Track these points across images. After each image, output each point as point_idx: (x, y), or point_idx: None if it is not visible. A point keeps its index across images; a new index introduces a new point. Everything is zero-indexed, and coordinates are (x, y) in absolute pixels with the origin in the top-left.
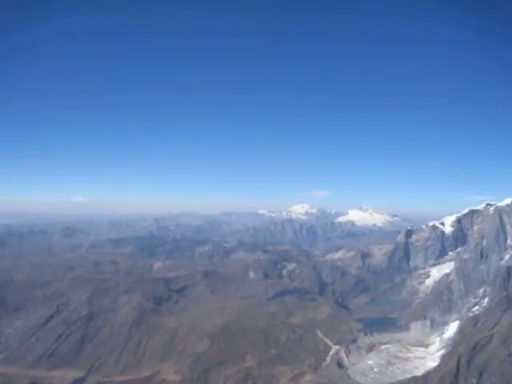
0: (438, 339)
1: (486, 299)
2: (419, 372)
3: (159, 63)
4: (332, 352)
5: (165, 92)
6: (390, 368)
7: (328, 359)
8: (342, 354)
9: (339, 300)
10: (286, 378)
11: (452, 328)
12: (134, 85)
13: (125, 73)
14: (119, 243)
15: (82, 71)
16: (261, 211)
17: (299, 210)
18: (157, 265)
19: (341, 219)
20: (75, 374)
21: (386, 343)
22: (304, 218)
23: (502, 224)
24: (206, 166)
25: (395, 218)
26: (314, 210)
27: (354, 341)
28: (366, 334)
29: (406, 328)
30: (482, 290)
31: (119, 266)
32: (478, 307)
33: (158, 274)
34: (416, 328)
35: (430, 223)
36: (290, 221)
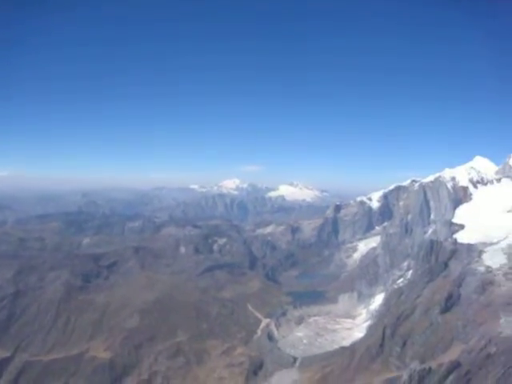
0: (364, 311)
1: (410, 272)
2: (347, 343)
3: None
4: (262, 325)
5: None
6: (318, 339)
7: (259, 332)
8: (273, 326)
9: (269, 274)
10: (218, 352)
11: (378, 300)
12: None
13: None
14: (46, 219)
15: None
16: (192, 186)
17: (230, 184)
18: (85, 241)
19: (271, 194)
20: (1, 353)
21: (314, 315)
22: (235, 192)
23: (426, 200)
24: (136, 140)
25: (324, 194)
26: (245, 185)
27: (284, 314)
28: (295, 307)
29: (334, 300)
30: (406, 263)
31: (46, 243)
32: (402, 279)
33: (86, 250)
34: (344, 300)
35: (358, 199)
36: (221, 196)
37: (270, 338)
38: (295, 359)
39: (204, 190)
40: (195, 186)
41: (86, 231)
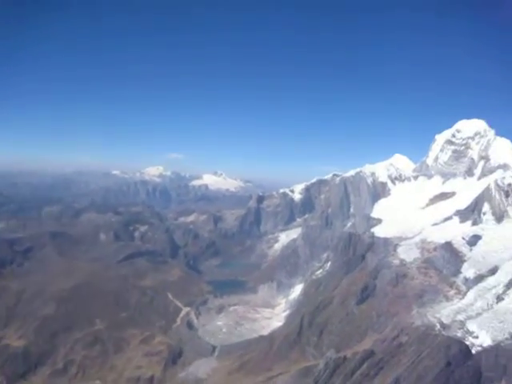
0: (283, 301)
1: (329, 263)
2: (266, 332)
3: None
4: (182, 314)
5: None
6: (238, 328)
7: (178, 321)
8: (192, 315)
9: (191, 263)
10: (136, 341)
11: (297, 290)
12: None
13: None
14: None
15: None
16: (114, 172)
17: (153, 171)
18: (0, 225)
19: (195, 183)
20: None
21: (235, 305)
22: (158, 180)
23: (347, 193)
24: (59, 122)
25: (248, 184)
26: (169, 173)
27: (205, 303)
28: (216, 296)
29: (255, 290)
30: (325, 255)
31: None
32: (321, 271)
33: (1, 235)
34: (264, 290)
35: (281, 190)
36: (144, 182)
37: (190, 326)
38: (214, 348)
39: (126, 176)
40: (117, 172)
41: (1, 215)
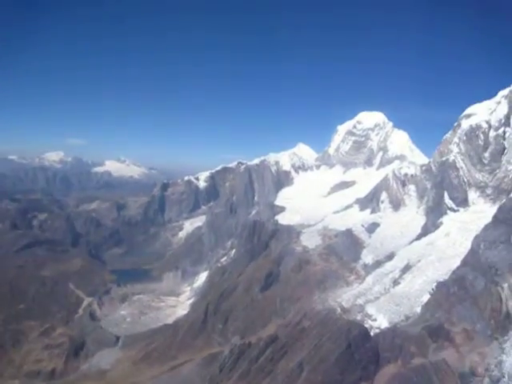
0: (188, 289)
1: (234, 251)
2: (171, 320)
3: None
4: (84, 304)
5: None
6: (142, 317)
7: (80, 311)
8: (95, 305)
9: (93, 252)
10: (35, 333)
11: (202, 278)
12: None
13: None
14: None
15: None
16: (10, 157)
17: (53, 157)
18: None
19: (97, 169)
20: None
21: (139, 294)
22: (58, 166)
23: (251, 182)
24: None
25: (152, 171)
26: (70, 159)
27: (108, 292)
28: (119, 286)
29: (159, 278)
30: (230, 243)
31: None
32: (226, 258)
33: None
34: (168, 278)
35: (186, 178)
36: (43, 168)
37: (93, 317)
38: (118, 338)
39: (24, 161)
40: (14, 157)
41: None
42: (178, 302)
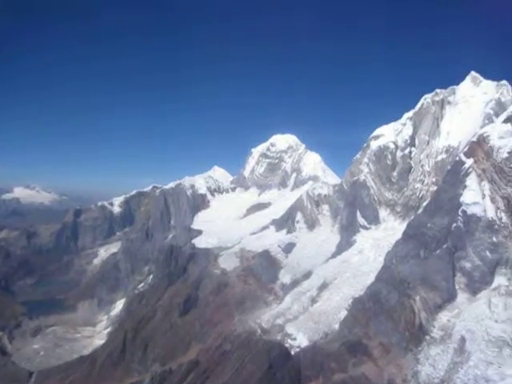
0: (105, 317)
1: (151, 276)
2: (87, 351)
3: None
4: None
5: None
6: (57, 350)
7: None
8: (5, 340)
9: (2, 283)
10: None
11: (119, 305)
12: None
13: None
14: None
15: None
16: None
17: None
18: None
19: (5, 197)
20: None
21: (52, 325)
22: None
23: (167, 206)
24: None
25: (64, 197)
26: None
27: (18, 325)
28: (31, 318)
29: (74, 308)
30: (147, 268)
31: None
32: (143, 284)
33: None
34: (84, 308)
35: (99, 203)
36: None
37: (3, 352)
38: (31, 374)
39: None
40: None
41: None
42: (95, 331)
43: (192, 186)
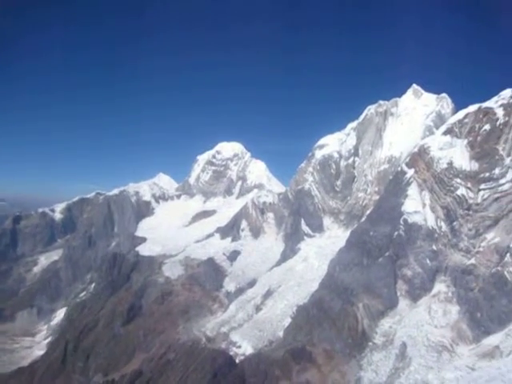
0: (45, 327)
1: (93, 285)
2: (26, 362)
3: None
4: None
5: None
6: None
7: None
8: None
9: None
10: None
11: (60, 315)
12: None
13: None
14: None
15: None
16: None
17: None
18: None
19: None
20: None
21: None
22: None
23: (110, 213)
24: None
25: (2, 203)
26: None
27: None
28: None
29: (12, 318)
30: (89, 276)
31: None
32: (85, 293)
33: None
34: (22, 317)
35: (40, 210)
36: None
37: None
38: None
39: None
40: None
41: None
42: (34, 342)
43: (136, 193)
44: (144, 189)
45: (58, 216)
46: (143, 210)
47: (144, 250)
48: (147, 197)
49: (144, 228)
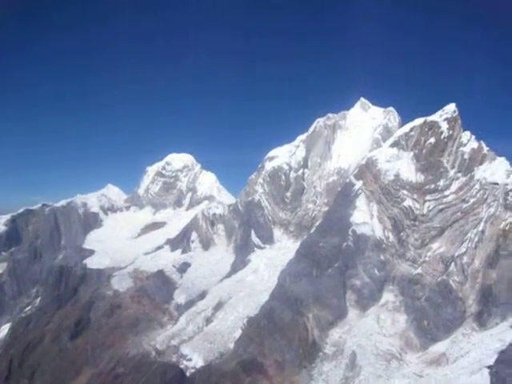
0: None
1: (39, 299)
2: None
3: None
4: None
5: None
6: None
7: None
8: None
9: None
10: None
11: (3, 330)
12: None
13: None
14: None
15: None
16: None
17: None
18: None
19: None
20: None
21: None
22: None
23: (57, 224)
24: None
25: None
26: None
27: None
28: None
29: None
30: (35, 290)
31: None
32: (30, 307)
33: None
34: None
35: None
36: None
37: None
38: None
39: None
40: None
41: None
42: None
43: (84, 205)
44: (92, 200)
45: (1, 228)
46: (91, 221)
47: (92, 262)
48: (95, 208)
49: (92, 240)
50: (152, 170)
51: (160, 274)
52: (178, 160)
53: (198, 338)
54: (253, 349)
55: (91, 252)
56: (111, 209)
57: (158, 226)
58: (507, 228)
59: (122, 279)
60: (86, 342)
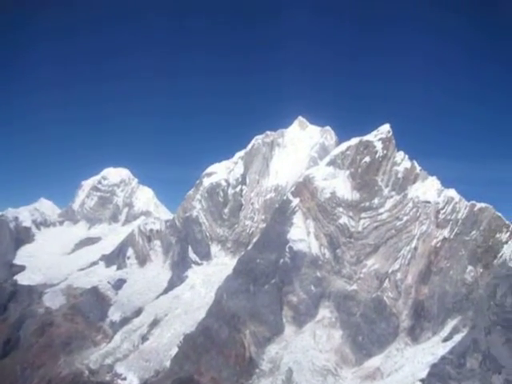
0: None
1: None
2: None
3: None
4: None
5: None
6: None
7: None
8: None
9: None
10: None
11: None
12: None
13: None
14: None
15: None
16: None
17: None
18: None
19: None
20: None
21: None
22: None
23: None
24: None
25: None
26: None
27: None
28: None
29: None
30: None
31: None
32: None
33: None
34: None
35: None
36: None
37: None
38: None
39: None
40: None
41: None
42: None
43: (15, 219)
44: (24, 214)
45: None
46: (23, 236)
47: (23, 278)
48: (27, 222)
49: (23, 255)
50: (87, 184)
51: (94, 290)
52: (115, 174)
53: (133, 356)
54: (189, 366)
55: (22, 268)
56: (44, 223)
57: (93, 241)
58: (438, 245)
59: (55, 296)
60: (15, 362)
